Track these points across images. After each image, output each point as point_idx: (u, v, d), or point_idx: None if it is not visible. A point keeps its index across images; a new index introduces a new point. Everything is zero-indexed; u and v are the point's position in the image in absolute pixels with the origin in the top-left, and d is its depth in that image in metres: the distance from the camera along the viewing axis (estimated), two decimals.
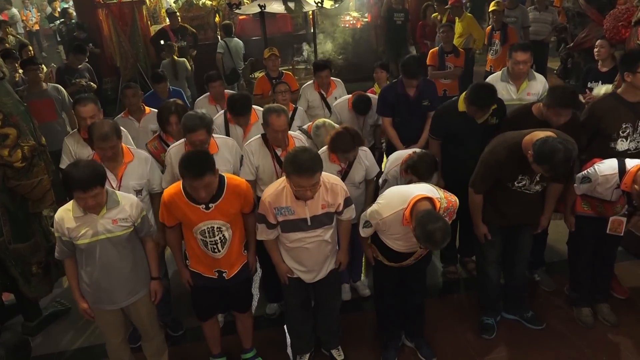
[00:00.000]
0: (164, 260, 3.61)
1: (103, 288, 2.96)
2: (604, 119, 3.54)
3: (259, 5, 6.97)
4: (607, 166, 3.27)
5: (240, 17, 9.79)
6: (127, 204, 2.96)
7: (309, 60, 8.04)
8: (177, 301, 3.92)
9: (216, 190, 2.93)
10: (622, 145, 3.53)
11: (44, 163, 3.74)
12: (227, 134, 4.05)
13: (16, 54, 6.74)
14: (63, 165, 3.71)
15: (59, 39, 12.10)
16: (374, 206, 3.07)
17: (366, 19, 10.58)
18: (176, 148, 3.52)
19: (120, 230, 2.91)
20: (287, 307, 3.53)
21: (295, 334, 3.55)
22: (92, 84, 6.89)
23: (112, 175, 3.26)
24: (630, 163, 3.23)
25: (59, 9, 13.50)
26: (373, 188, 3.79)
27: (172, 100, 4.09)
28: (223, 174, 3.03)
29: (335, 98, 5.00)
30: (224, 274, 3.13)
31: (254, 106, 4.15)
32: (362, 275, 4.33)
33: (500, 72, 4.30)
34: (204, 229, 2.97)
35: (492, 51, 7.00)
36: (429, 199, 2.86)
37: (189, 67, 8.08)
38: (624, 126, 3.51)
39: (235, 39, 8.96)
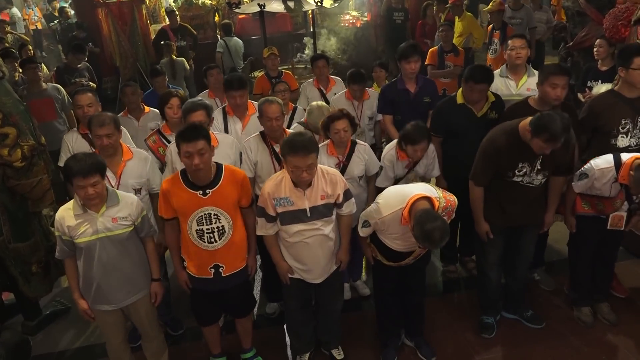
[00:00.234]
0: (163, 261, 3.61)
1: (103, 288, 2.96)
2: (602, 115, 3.54)
3: (258, 4, 6.97)
4: (603, 160, 3.29)
5: (240, 17, 9.79)
6: (127, 202, 2.96)
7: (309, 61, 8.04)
8: (177, 301, 3.92)
9: (214, 177, 2.96)
10: (622, 141, 3.54)
11: (44, 162, 3.74)
12: (226, 128, 4.07)
13: (16, 54, 6.73)
14: (62, 163, 3.72)
15: (58, 39, 12.11)
16: (373, 206, 3.09)
17: (366, 18, 10.58)
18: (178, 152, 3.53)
19: (120, 229, 2.91)
20: (287, 309, 3.52)
21: (295, 335, 3.55)
22: (91, 83, 6.89)
23: (111, 173, 3.26)
24: (626, 156, 3.25)
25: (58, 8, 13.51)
26: (374, 185, 3.79)
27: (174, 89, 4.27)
28: (222, 163, 3.08)
29: (335, 94, 5.01)
30: (220, 269, 3.07)
31: (252, 101, 4.19)
32: (362, 274, 4.33)
33: (499, 69, 4.33)
34: (201, 216, 2.95)
35: (491, 50, 7.00)
36: (428, 199, 2.86)
37: (187, 67, 8.10)
38: (623, 122, 3.51)
39: (235, 38, 8.97)
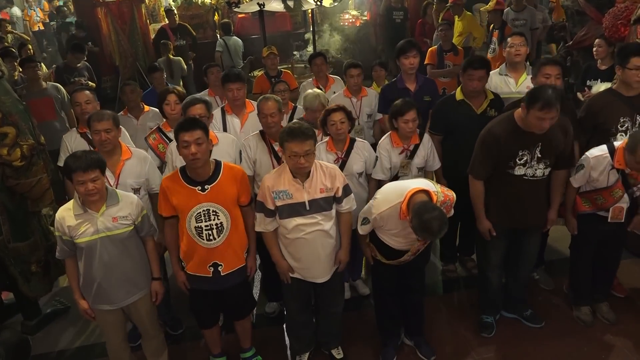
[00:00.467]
0: (163, 261, 3.61)
1: (103, 288, 2.96)
2: (600, 114, 3.55)
3: (258, 3, 6.97)
4: (597, 149, 3.32)
5: (239, 16, 9.79)
6: (127, 202, 2.97)
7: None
8: (177, 300, 3.91)
9: (212, 173, 2.98)
10: (622, 140, 3.54)
11: (43, 162, 3.74)
12: (225, 126, 4.08)
13: (15, 53, 6.73)
14: (61, 163, 3.73)
15: (56, 38, 12.10)
16: (371, 202, 3.10)
17: (365, 18, 10.57)
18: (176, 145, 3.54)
19: (121, 228, 2.91)
20: (287, 311, 3.53)
21: (294, 337, 3.55)
22: (90, 82, 6.89)
23: (110, 172, 3.26)
24: (618, 142, 3.27)
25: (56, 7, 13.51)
26: (375, 184, 3.78)
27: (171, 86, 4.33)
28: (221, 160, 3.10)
29: (334, 92, 5.01)
30: (219, 268, 3.06)
31: (250, 100, 4.22)
32: (362, 273, 4.33)
33: (499, 67, 4.34)
34: (199, 212, 2.95)
35: (490, 49, 7.00)
36: (426, 192, 2.88)
37: (184, 67, 8.12)
38: (622, 120, 3.52)
39: (234, 37, 8.97)
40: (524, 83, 4.09)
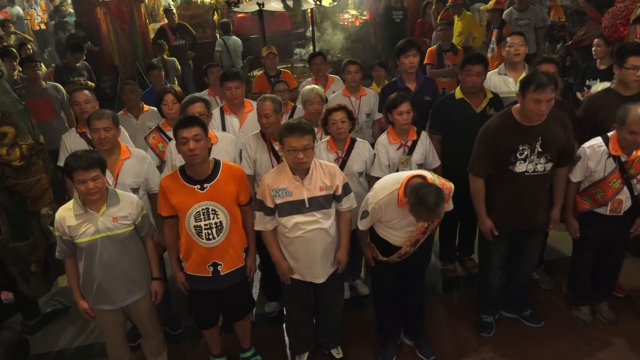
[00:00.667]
0: (163, 261, 3.61)
1: (103, 287, 2.96)
2: (599, 113, 3.55)
3: (257, 3, 6.96)
4: (591, 140, 3.35)
5: (239, 15, 9.79)
6: (127, 202, 2.97)
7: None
8: (177, 300, 3.92)
9: (211, 171, 2.99)
10: None
11: (42, 162, 3.74)
12: (223, 126, 4.09)
13: (15, 52, 6.72)
14: (61, 163, 3.74)
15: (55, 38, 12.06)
16: (369, 193, 3.13)
17: (365, 17, 10.57)
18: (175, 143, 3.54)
19: (121, 228, 2.92)
20: (287, 311, 3.53)
21: (294, 337, 3.55)
22: (90, 82, 6.88)
23: (109, 172, 3.26)
24: (612, 132, 3.30)
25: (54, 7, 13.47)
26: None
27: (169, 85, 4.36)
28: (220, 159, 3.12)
29: (334, 92, 5.02)
30: (219, 268, 3.06)
31: (250, 101, 4.23)
32: (362, 273, 4.33)
33: (498, 67, 4.35)
34: (199, 211, 2.95)
35: (490, 49, 6.99)
36: (422, 177, 2.92)
37: (179, 67, 8.14)
38: None
39: (234, 37, 8.97)
40: None
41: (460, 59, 3.93)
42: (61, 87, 5.73)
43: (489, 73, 4.31)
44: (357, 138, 3.74)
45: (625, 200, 3.35)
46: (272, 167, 3.51)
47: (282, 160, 3.09)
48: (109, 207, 2.89)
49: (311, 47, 8.27)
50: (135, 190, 3.36)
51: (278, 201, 3.02)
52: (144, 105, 4.66)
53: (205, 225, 2.97)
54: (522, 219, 3.36)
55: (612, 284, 3.83)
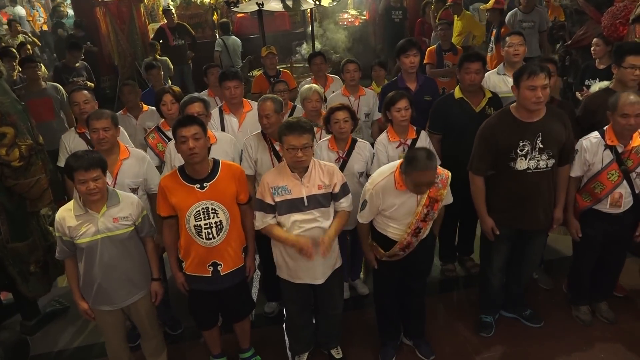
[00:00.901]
0: (162, 262, 3.61)
1: (104, 288, 2.96)
2: (597, 113, 3.55)
3: (257, 3, 6.96)
4: (588, 135, 3.38)
5: (238, 15, 9.79)
6: (128, 202, 2.97)
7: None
8: (176, 301, 3.91)
9: (211, 170, 3.00)
10: None
11: (42, 162, 3.73)
12: (222, 126, 4.09)
13: (14, 52, 6.73)
14: (60, 163, 3.75)
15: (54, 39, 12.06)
16: (367, 182, 3.17)
17: (364, 17, 10.57)
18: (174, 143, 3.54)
19: (121, 229, 2.92)
20: (287, 312, 3.53)
21: (294, 338, 3.55)
22: (89, 82, 6.88)
23: (108, 172, 3.24)
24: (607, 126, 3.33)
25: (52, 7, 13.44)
26: None
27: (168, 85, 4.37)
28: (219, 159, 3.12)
29: (333, 92, 5.02)
30: (219, 268, 3.06)
31: (249, 101, 4.23)
32: (362, 273, 4.33)
33: (497, 67, 4.35)
34: (198, 210, 2.95)
35: (489, 48, 6.99)
36: None
37: (171, 66, 8.15)
38: None
39: (233, 37, 8.97)
40: None
41: (459, 59, 3.93)
42: (61, 87, 5.73)
43: (487, 73, 4.31)
44: (357, 138, 3.74)
45: (625, 195, 3.34)
46: (273, 167, 3.52)
47: (283, 160, 3.10)
48: (109, 208, 2.89)
49: (311, 47, 8.27)
50: (134, 191, 3.35)
51: (277, 199, 3.02)
52: (144, 105, 4.67)
53: (205, 224, 2.97)
54: (524, 218, 3.34)
55: (612, 285, 3.83)
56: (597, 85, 4.34)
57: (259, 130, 3.66)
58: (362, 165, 3.66)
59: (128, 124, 4.41)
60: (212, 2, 10.34)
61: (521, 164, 3.20)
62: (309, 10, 7.99)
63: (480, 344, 3.63)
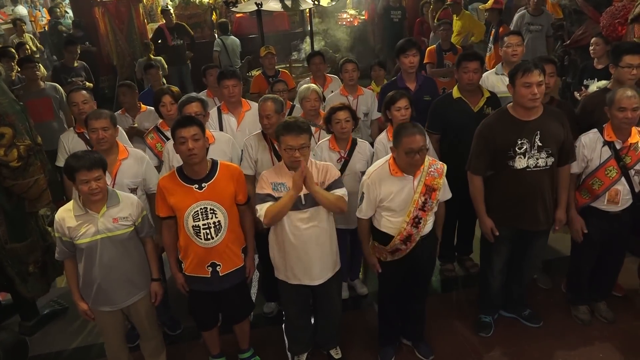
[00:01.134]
0: (162, 262, 3.61)
1: (103, 289, 2.95)
2: (595, 112, 3.55)
3: (255, 3, 6.96)
4: (587, 132, 3.42)
5: (237, 15, 9.78)
6: (127, 203, 2.97)
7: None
8: (176, 301, 3.91)
9: (209, 171, 3.00)
10: None
11: (40, 162, 3.73)
12: (221, 125, 4.09)
13: (13, 53, 6.72)
14: (59, 164, 3.74)
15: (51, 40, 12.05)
16: (364, 176, 3.20)
17: (363, 17, 10.57)
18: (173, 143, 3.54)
19: (121, 229, 2.91)
20: (285, 314, 3.52)
21: (293, 339, 3.54)
22: (87, 82, 6.88)
23: (107, 172, 3.25)
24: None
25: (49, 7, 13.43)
26: None
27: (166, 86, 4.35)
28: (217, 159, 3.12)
29: (332, 91, 5.02)
30: (218, 268, 3.06)
31: (248, 100, 4.24)
32: (360, 273, 4.33)
33: (495, 67, 4.36)
34: (197, 210, 2.95)
35: (488, 48, 6.98)
36: None
37: (165, 66, 8.13)
38: None
39: (232, 37, 8.96)
40: None
41: (457, 59, 3.94)
42: (59, 87, 5.73)
43: (486, 73, 4.32)
44: (358, 139, 3.74)
45: (623, 192, 3.34)
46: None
47: (279, 148, 3.10)
48: (109, 208, 2.89)
49: (310, 47, 8.28)
50: (133, 191, 3.35)
51: (276, 195, 3.02)
52: (142, 105, 4.67)
53: (203, 225, 2.97)
54: (524, 217, 3.33)
55: (611, 285, 3.83)
56: (595, 85, 4.35)
57: (259, 130, 3.66)
58: (363, 164, 3.66)
59: (126, 124, 4.41)
60: (211, 2, 10.34)
61: (520, 163, 3.19)
62: (307, 10, 7.99)
63: (480, 344, 3.63)
